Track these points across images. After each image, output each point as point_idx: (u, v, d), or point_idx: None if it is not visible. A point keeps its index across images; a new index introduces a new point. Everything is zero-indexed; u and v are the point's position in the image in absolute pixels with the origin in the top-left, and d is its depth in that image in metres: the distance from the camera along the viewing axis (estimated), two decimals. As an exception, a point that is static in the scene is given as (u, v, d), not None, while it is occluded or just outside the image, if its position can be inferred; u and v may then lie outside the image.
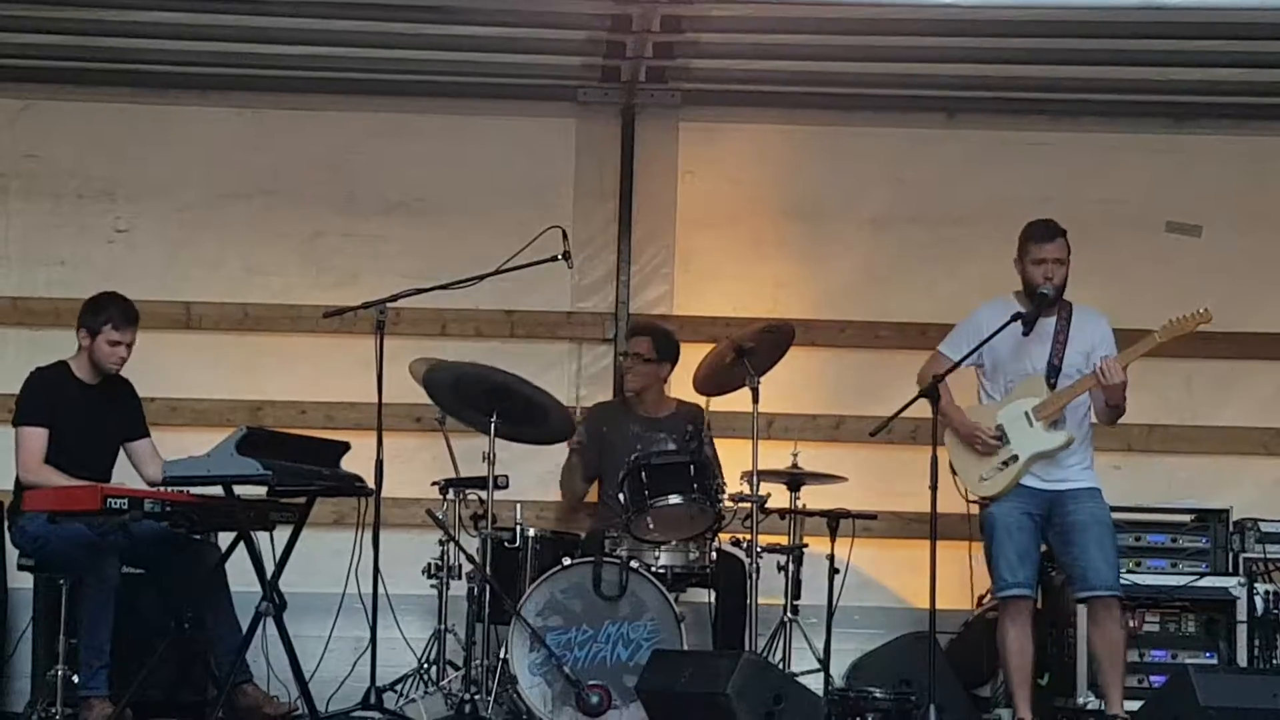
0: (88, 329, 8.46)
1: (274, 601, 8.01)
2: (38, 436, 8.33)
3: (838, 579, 8.96)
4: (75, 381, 8.50)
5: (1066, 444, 8.18)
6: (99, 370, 8.50)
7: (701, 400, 9.03)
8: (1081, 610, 8.63)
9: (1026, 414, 8.21)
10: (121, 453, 8.63)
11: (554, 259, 8.54)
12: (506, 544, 8.57)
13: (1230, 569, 9.10)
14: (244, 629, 8.14)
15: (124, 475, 8.58)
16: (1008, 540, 8.18)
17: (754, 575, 8.51)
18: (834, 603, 8.96)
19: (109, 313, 8.46)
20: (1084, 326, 8.30)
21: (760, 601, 8.56)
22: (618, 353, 9.43)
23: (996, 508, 8.23)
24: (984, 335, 8.22)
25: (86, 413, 8.45)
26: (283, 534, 8.23)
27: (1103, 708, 8.27)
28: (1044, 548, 8.39)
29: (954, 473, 8.31)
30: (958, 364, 8.27)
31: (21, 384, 8.51)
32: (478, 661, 8.39)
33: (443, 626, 8.71)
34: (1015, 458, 8.21)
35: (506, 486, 8.52)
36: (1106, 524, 8.21)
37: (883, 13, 8.87)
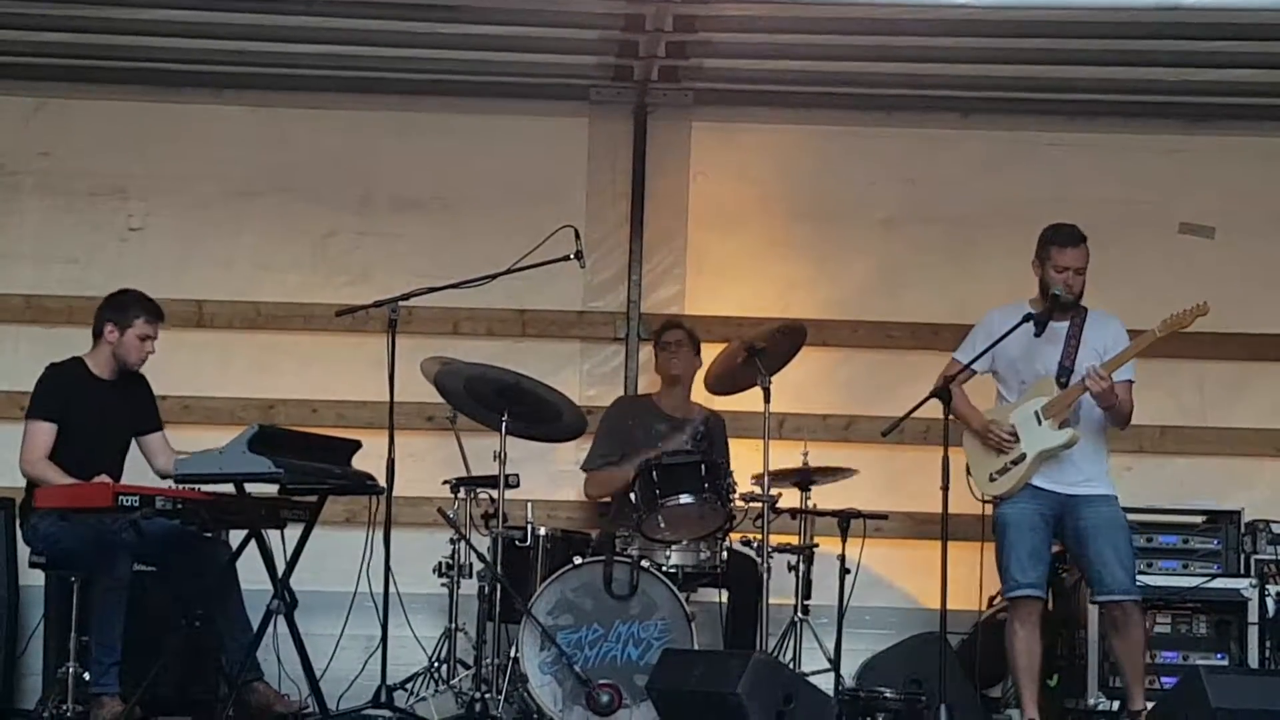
0: (115, 323, 8.46)
1: (285, 599, 8.03)
2: (45, 432, 8.33)
3: (849, 579, 8.95)
4: (91, 377, 8.50)
5: (1070, 442, 8.17)
6: (122, 366, 8.50)
7: (712, 400, 9.03)
8: (1093, 612, 8.63)
9: (1036, 413, 8.22)
10: (134, 447, 8.64)
11: (566, 258, 8.55)
12: (517, 543, 8.58)
13: (1242, 570, 9.08)
14: (255, 627, 8.16)
15: (136, 469, 8.58)
16: (1019, 540, 8.18)
17: (765, 575, 8.51)
18: (845, 603, 8.96)
19: (139, 307, 8.47)
20: (1097, 328, 8.30)
21: (771, 601, 8.56)
22: (656, 346, 9.37)
23: (1008, 508, 8.23)
24: (996, 336, 8.22)
25: (101, 408, 8.45)
26: (294, 532, 8.24)
27: (1119, 706, 8.28)
28: (1056, 548, 8.39)
29: (968, 474, 8.32)
30: (968, 365, 8.28)
31: (36, 379, 8.52)
32: (488, 660, 8.40)
33: (453, 625, 8.72)
34: (1023, 456, 8.21)
35: (518, 485, 8.53)
36: (1121, 527, 8.20)
37: (896, 13, 8.85)
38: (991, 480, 8.28)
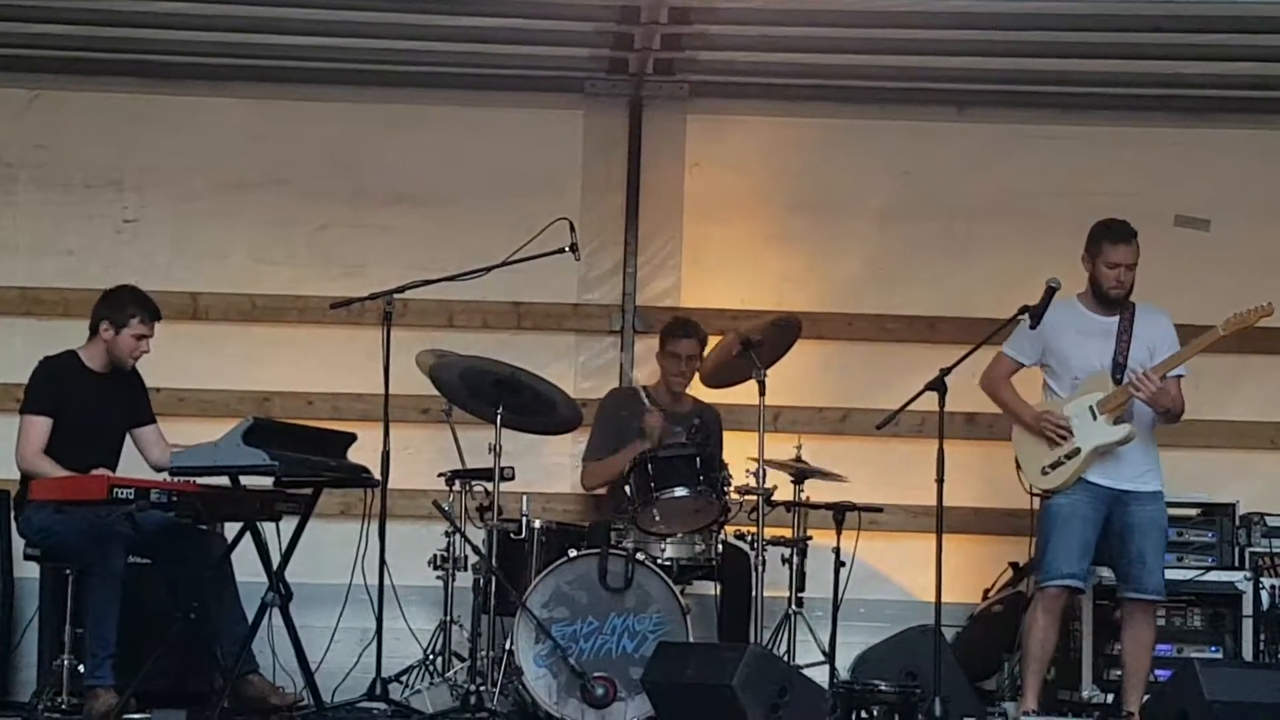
0: (111, 321, 8.45)
1: (280, 592, 8.03)
2: (40, 425, 8.33)
3: (843, 572, 8.95)
4: (84, 370, 8.50)
5: (1127, 438, 8.22)
6: (115, 362, 8.50)
7: (708, 393, 9.04)
8: (1087, 606, 8.66)
9: (1090, 408, 8.27)
10: (128, 440, 8.64)
11: (561, 251, 8.55)
12: (512, 535, 8.57)
13: (1236, 563, 9.10)
14: (250, 619, 8.16)
15: (131, 462, 8.58)
16: (1070, 532, 8.24)
17: (759, 568, 8.51)
18: (839, 595, 8.96)
19: (136, 306, 8.46)
20: (1147, 324, 8.38)
21: (766, 594, 8.57)
22: (664, 347, 9.30)
23: (1062, 499, 8.28)
24: (1044, 334, 8.26)
25: (95, 401, 8.45)
26: (289, 525, 8.25)
27: (1113, 698, 8.33)
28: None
29: (1018, 467, 8.32)
30: (958, 363, 8.22)
31: (31, 373, 8.51)
32: (483, 653, 8.41)
33: (448, 618, 8.71)
34: (1078, 450, 8.24)
35: (513, 478, 8.54)
36: (1163, 529, 8.36)
37: (892, 5, 8.85)
38: (1044, 474, 8.31)
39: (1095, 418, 8.26)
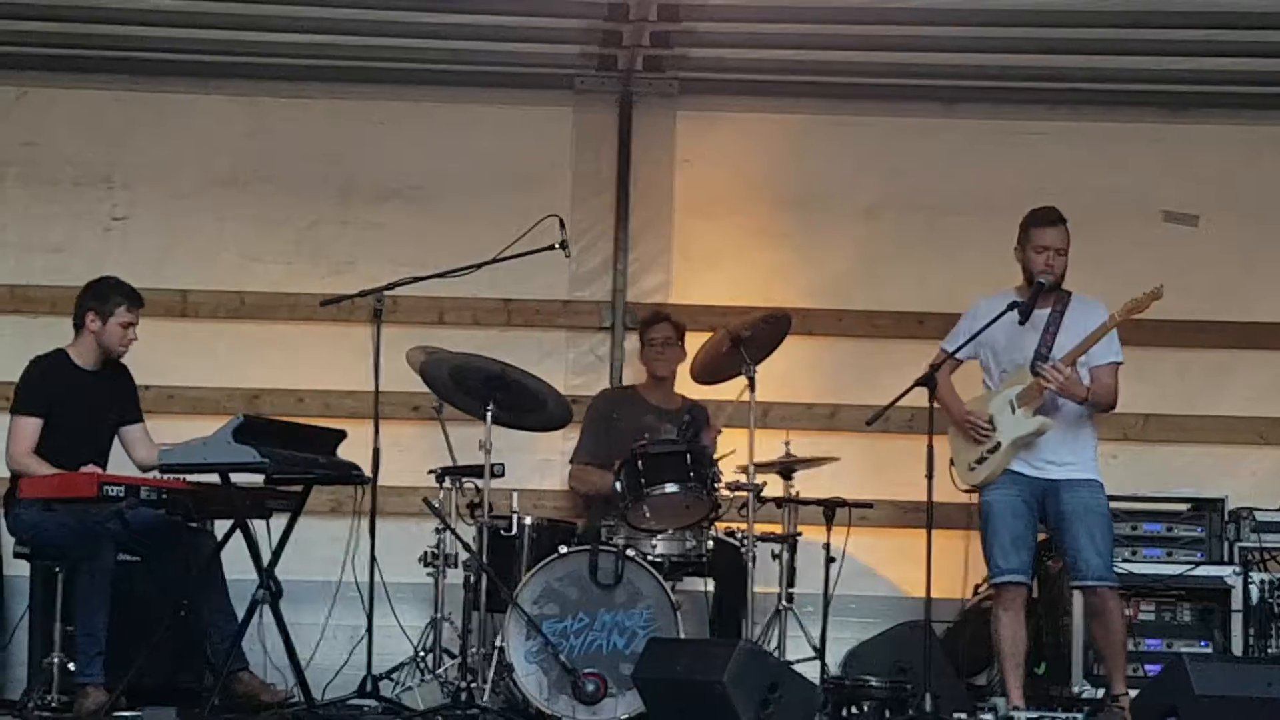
0: (97, 312, 8.43)
1: (270, 589, 8.04)
2: (30, 426, 8.32)
3: (834, 568, 8.96)
4: (74, 369, 8.49)
5: (1040, 430, 8.19)
6: (104, 354, 8.48)
7: (696, 390, 9.04)
8: (1077, 599, 8.66)
9: (1011, 401, 8.24)
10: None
11: (551, 248, 8.55)
12: (503, 532, 8.56)
13: (1226, 558, 9.11)
14: (240, 617, 8.16)
15: (120, 460, 8.58)
16: (1002, 527, 8.21)
17: (750, 564, 8.52)
18: (830, 591, 8.97)
19: (119, 295, 8.45)
20: (1079, 316, 8.29)
21: (756, 590, 8.57)
22: (642, 340, 9.36)
23: (991, 494, 8.26)
24: (976, 326, 8.23)
25: (85, 399, 8.44)
26: (279, 522, 8.25)
27: (1105, 691, 8.34)
28: (1041, 536, 8.41)
29: (951, 464, 8.35)
30: (951, 354, 8.29)
31: (21, 372, 8.49)
32: (474, 650, 8.40)
33: (439, 615, 8.72)
34: (998, 445, 8.25)
35: (503, 475, 8.53)
36: (1100, 513, 8.22)
37: (879, 1, 8.86)
38: (971, 469, 8.32)
39: (1014, 410, 8.23)
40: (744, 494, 8.56)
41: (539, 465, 9.52)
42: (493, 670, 8.29)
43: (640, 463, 8.49)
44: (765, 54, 9.55)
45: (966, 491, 8.35)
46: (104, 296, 8.46)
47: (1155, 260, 9.70)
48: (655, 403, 9.26)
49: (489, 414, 8.42)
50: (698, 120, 9.96)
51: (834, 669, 9.10)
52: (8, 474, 8.42)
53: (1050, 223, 8.28)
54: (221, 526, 8.38)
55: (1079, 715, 8.38)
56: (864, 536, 9.24)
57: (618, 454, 8.96)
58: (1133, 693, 8.13)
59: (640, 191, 9.90)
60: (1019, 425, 8.22)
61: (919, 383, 8.16)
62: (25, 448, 8.30)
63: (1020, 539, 8.22)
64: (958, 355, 8.33)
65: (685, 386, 9.26)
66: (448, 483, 8.75)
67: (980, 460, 8.28)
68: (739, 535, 8.67)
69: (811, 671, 8.66)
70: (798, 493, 8.98)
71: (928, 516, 8.03)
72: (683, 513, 8.55)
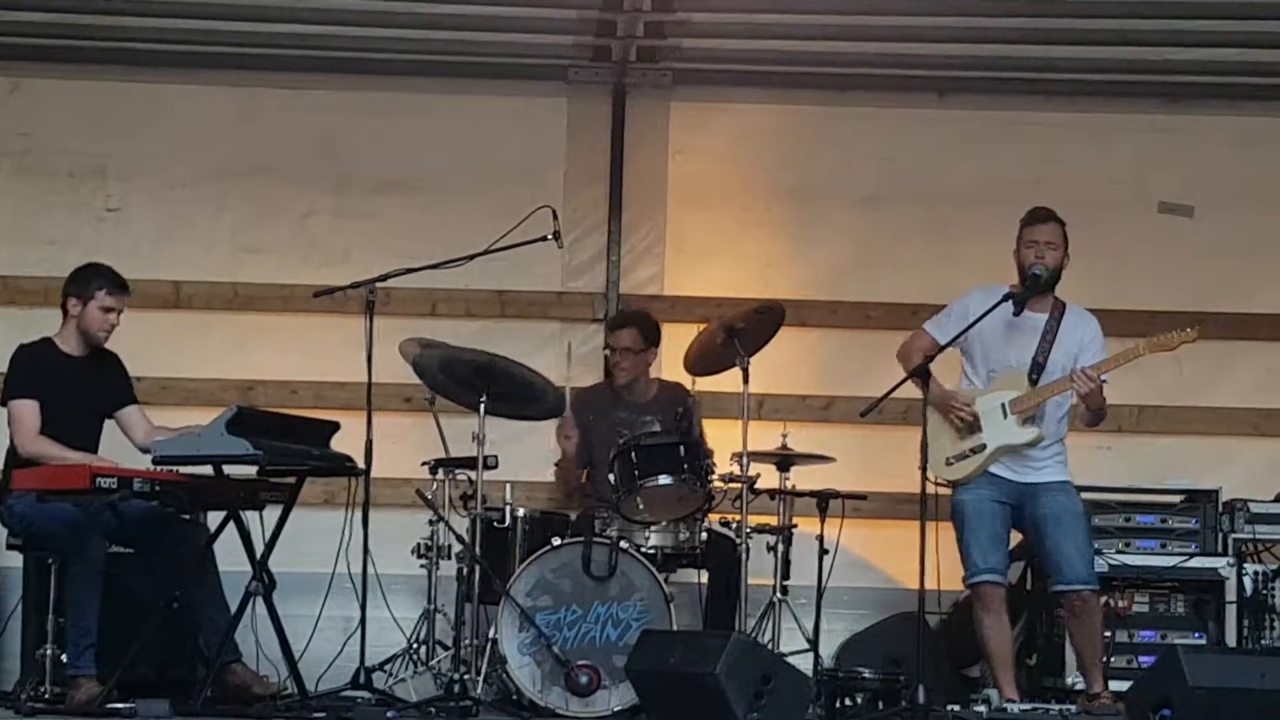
0: (77, 297, 8.39)
1: (263, 581, 8.03)
2: (30, 409, 8.28)
3: (827, 559, 8.96)
4: (61, 355, 8.44)
5: (1034, 441, 8.19)
6: (87, 341, 8.44)
7: (688, 380, 9.02)
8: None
9: (1003, 405, 8.20)
10: (112, 425, 8.60)
11: (544, 239, 8.54)
12: (496, 524, 8.57)
13: (1220, 550, 9.10)
14: (233, 608, 8.15)
15: (110, 445, 8.56)
16: (979, 526, 8.20)
17: (744, 555, 8.51)
18: (823, 583, 8.96)
19: (100, 279, 8.41)
20: (1074, 326, 8.29)
21: (750, 582, 8.56)
22: (605, 345, 9.36)
23: (966, 494, 8.24)
24: (969, 319, 8.20)
25: (73, 386, 8.39)
26: (272, 513, 8.24)
27: (1086, 689, 8.35)
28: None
29: (921, 451, 8.20)
30: (946, 346, 8.25)
31: (9, 361, 8.48)
32: (467, 641, 8.40)
33: (432, 606, 8.71)
34: (983, 446, 8.21)
35: (496, 467, 8.52)
36: (1079, 516, 8.23)
37: (874, -9, 8.88)
38: (948, 464, 8.26)
39: (1006, 415, 8.20)
40: (737, 486, 8.55)
41: (532, 457, 9.48)
42: (486, 662, 8.29)
43: (634, 454, 8.48)
44: (760, 44, 9.54)
45: (938, 484, 8.28)
46: (85, 281, 8.42)
47: (1150, 251, 9.72)
48: (628, 398, 9.19)
49: (483, 405, 8.41)
50: (691, 111, 9.95)
51: (828, 661, 9.10)
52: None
53: (1040, 220, 8.28)
54: (214, 518, 8.36)
55: (1071, 707, 8.37)
56: (858, 528, 9.22)
57: (596, 457, 8.96)
58: (1126, 685, 8.13)
59: (634, 182, 9.89)
60: (1011, 433, 8.19)
61: (913, 374, 8.14)
62: (31, 432, 8.24)
63: (997, 538, 8.22)
64: (942, 342, 8.28)
65: (679, 376, 9.22)
66: (441, 474, 8.74)
67: (961, 457, 8.25)
68: (733, 527, 8.66)
69: (805, 663, 8.66)
70: (792, 485, 8.97)
71: (921, 508, 7.99)
72: (676, 505, 8.54)
